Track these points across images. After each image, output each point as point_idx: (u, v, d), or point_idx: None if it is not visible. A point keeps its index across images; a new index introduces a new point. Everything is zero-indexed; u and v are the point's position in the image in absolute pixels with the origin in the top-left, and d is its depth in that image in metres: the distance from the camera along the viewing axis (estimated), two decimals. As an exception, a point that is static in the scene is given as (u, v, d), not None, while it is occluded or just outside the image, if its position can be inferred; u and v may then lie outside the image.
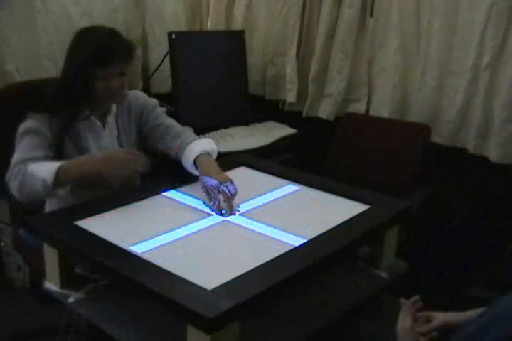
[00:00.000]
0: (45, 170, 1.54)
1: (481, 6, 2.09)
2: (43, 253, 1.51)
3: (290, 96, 2.68)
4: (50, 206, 1.78)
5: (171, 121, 1.87)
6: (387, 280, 1.61)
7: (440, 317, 1.32)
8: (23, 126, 1.66)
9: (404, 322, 1.30)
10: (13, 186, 1.58)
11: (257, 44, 2.81)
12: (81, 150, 1.72)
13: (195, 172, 1.73)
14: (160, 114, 1.87)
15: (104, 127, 1.77)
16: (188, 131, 1.86)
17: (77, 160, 1.60)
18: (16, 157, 1.62)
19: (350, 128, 2.41)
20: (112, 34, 1.68)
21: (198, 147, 1.74)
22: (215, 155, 1.78)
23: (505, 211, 2.24)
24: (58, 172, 1.52)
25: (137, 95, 1.85)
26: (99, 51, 1.61)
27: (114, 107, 1.78)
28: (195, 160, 1.72)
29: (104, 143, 1.77)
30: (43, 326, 2.21)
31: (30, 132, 1.65)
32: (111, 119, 1.79)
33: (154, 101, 1.89)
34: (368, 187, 1.78)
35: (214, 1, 2.87)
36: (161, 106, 1.92)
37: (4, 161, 1.88)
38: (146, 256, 1.34)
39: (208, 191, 1.62)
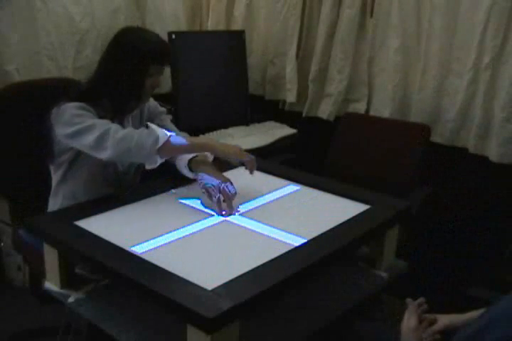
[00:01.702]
0: (162, 131, 1.57)
1: (481, 6, 2.09)
2: (43, 253, 1.51)
3: (290, 96, 2.68)
4: (53, 206, 1.79)
5: (171, 126, 1.89)
6: (387, 280, 1.61)
7: (443, 320, 1.32)
8: (70, 105, 1.61)
9: (409, 322, 1.29)
10: (116, 137, 1.54)
11: (257, 44, 2.82)
12: None
13: (188, 174, 1.73)
14: (165, 119, 1.90)
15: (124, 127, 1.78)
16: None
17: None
18: (96, 121, 1.59)
19: (350, 128, 2.40)
20: (158, 36, 1.74)
21: None
22: (211, 159, 1.78)
23: (505, 211, 2.24)
24: (170, 138, 1.56)
25: (150, 99, 1.87)
26: (158, 49, 1.67)
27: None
28: (190, 161, 1.72)
29: None
30: (43, 326, 2.21)
31: (84, 109, 1.62)
32: (129, 120, 1.79)
33: (163, 108, 1.93)
34: (368, 188, 1.78)
35: (214, 1, 2.87)
36: (161, 105, 1.93)
37: (5, 160, 1.90)
38: (146, 256, 1.34)
39: (208, 191, 1.62)
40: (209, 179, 1.63)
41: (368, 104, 2.54)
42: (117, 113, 1.72)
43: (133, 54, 1.65)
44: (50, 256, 1.49)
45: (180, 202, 1.67)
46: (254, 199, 1.70)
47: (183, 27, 2.86)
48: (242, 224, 1.55)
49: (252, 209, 1.64)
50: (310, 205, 1.69)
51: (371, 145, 2.33)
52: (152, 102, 1.89)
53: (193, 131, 2.20)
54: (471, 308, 1.32)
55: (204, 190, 1.64)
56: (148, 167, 1.59)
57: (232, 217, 1.59)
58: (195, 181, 1.70)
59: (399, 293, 1.61)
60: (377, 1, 2.40)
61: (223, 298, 1.17)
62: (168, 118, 1.93)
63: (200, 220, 1.56)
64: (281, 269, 1.31)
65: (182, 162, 1.74)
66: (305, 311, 1.45)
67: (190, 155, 1.72)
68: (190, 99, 2.52)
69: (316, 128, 2.68)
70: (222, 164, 1.75)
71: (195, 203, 1.67)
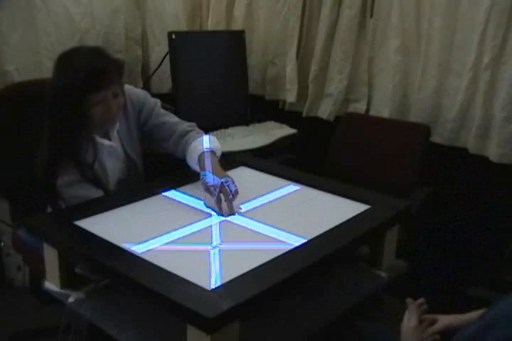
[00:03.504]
0: None
1: (481, 6, 2.09)
2: (43, 253, 1.51)
3: (290, 96, 2.68)
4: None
5: (172, 119, 1.84)
6: (387, 280, 1.61)
7: (443, 321, 1.32)
8: (61, 181, 1.63)
9: (409, 322, 1.30)
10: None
11: (257, 44, 2.81)
12: (101, 167, 1.73)
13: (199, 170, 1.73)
14: (158, 110, 1.83)
15: (111, 140, 1.76)
16: (192, 130, 1.83)
17: None
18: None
19: (350, 128, 2.41)
20: (98, 53, 1.60)
21: (202, 145, 1.74)
22: (219, 153, 1.77)
23: (505, 211, 2.24)
24: None
25: (128, 94, 1.76)
26: (89, 75, 1.51)
27: (116, 125, 1.74)
28: (199, 158, 1.72)
29: (116, 155, 1.78)
30: (43, 326, 2.21)
31: (70, 185, 1.64)
32: (115, 133, 1.76)
33: (145, 94, 1.83)
34: (367, 188, 1.78)
35: (214, 1, 2.87)
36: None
37: (5, 160, 1.90)
38: (146, 256, 1.34)
39: (209, 190, 1.62)
40: (211, 178, 1.62)
41: (368, 104, 2.54)
42: (73, 155, 1.63)
43: (64, 85, 1.53)
44: (50, 256, 1.48)
45: (180, 202, 1.67)
46: (254, 199, 1.70)
47: (183, 27, 2.86)
48: (242, 224, 1.55)
49: (252, 209, 1.64)
50: (310, 205, 1.69)
51: (371, 145, 2.33)
52: (133, 94, 1.77)
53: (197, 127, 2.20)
54: (471, 308, 1.32)
55: (205, 188, 1.64)
56: None
57: (232, 217, 1.59)
58: (198, 180, 1.70)
59: (399, 293, 1.61)
60: (377, 1, 2.40)
61: (223, 298, 1.16)
62: (160, 109, 1.83)
63: (200, 220, 1.56)
64: (281, 269, 1.30)
65: (193, 160, 1.73)
66: (305, 311, 1.45)
67: (199, 152, 1.71)
68: (190, 99, 2.52)
69: (316, 128, 2.68)
70: (223, 163, 1.75)
71: (196, 203, 1.67)
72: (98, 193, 1.69)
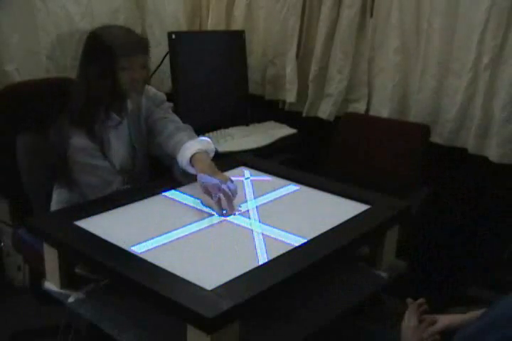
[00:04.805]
0: None
1: (481, 6, 2.09)
2: (43, 253, 1.51)
3: (290, 96, 2.68)
4: (55, 205, 1.79)
5: (173, 117, 1.88)
6: (387, 280, 1.61)
7: (443, 321, 1.32)
8: (72, 144, 1.67)
9: (409, 321, 1.30)
10: None
11: (257, 44, 2.81)
12: (108, 146, 1.76)
13: (190, 170, 1.73)
14: (166, 109, 1.89)
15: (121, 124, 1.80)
16: (187, 130, 1.86)
17: None
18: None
19: (350, 128, 2.41)
20: (127, 29, 1.76)
21: (195, 146, 1.74)
22: (211, 155, 1.78)
23: (505, 211, 2.24)
24: None
25: (147, 89, 1.85)
26: (122, 42, 1.66)
27: (129, 105, 1.80)
28: (191, 158, 1.72)
29: (121, 139, 1.79)
30: (43, 326, 2.21)
31: (81, 150, 1.69)
32: (125, 118, 1.80)
33: (163, 95, 1.92)
34: (368, 188, 1.78)
35: (214, 1, 2.87)
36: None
37: (5, 160, 1.90)
38: (146, 256, 1.34)
39: (208, 190, 1.62)
40: (209, 178, 1.62)
41: (368, 104, 2.53)
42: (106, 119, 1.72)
43: (98, 51, 1.67)
44: (50, 256, 1.49)
45: (180, 202, 1.67)
46: (254, 199, 1.71)
47: (183, 27, 2.86)
48: (242, 224, 1.55)
49: (252, 209, 1.64)
50: (310, 205, 1.69)
51: (371, 145, 2.33)
52: (151, 92, 1.87)
53: (193, 130, 2.20)
54: (471, 309, 1.32)
55: (204, 189, 1.63)
56: None
57: (232, 216, 1.59)
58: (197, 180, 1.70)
59: (399, 293, 1.61)
60: (377, 1, 2.40)
61: (223, 298, 1.16)
62: (169, 109, 1.91)
63: (200, 220, 1.56)
64: (281, 269, 1.31)
65: (184, 160, 1.73)
66: (305, 311, 1.45)
67: (191, 153, 1.72)
68: (191, 99, 2.52)
69: (316, 128, 2.67)
70: (223, 163, 1.75)
71: (195, 203, 1.67)
72: (105, 164, 1.73)
